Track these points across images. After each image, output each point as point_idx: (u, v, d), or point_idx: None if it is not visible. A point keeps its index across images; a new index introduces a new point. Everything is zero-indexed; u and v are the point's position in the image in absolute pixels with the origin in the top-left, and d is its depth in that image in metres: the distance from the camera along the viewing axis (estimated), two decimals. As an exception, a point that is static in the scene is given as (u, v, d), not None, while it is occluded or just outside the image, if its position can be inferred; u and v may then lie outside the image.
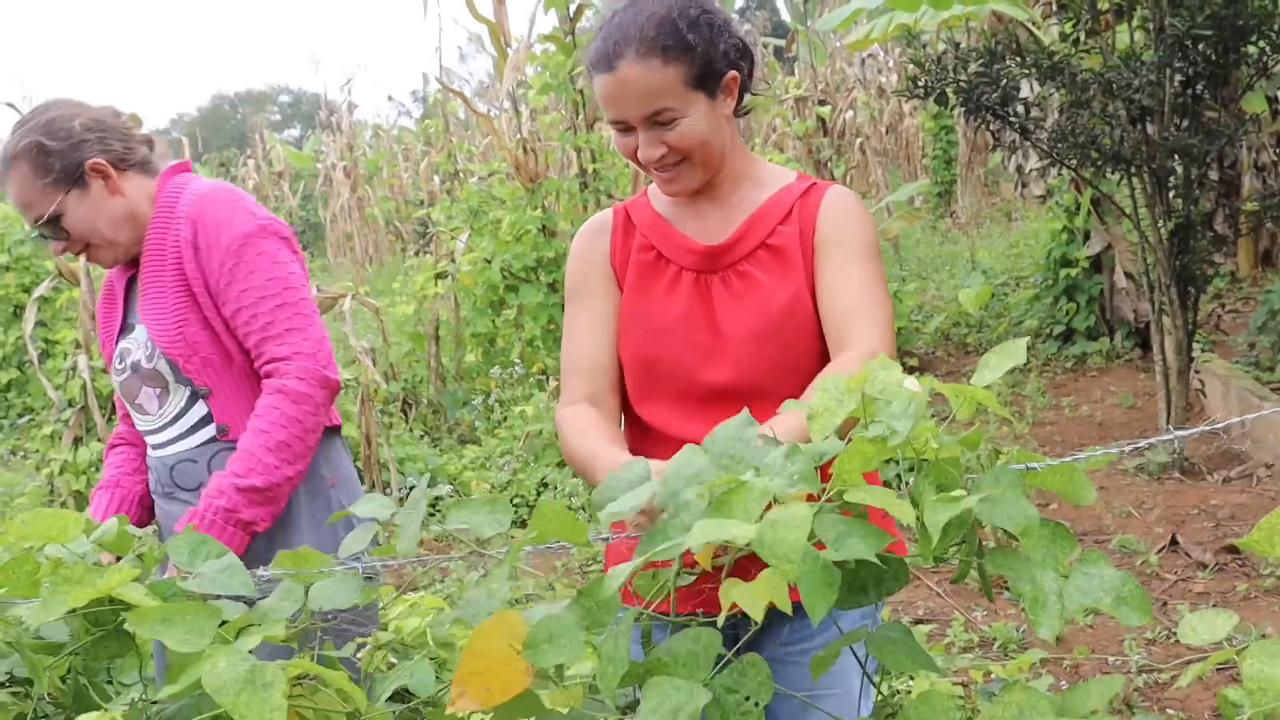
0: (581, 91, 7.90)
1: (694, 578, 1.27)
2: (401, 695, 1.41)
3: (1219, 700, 1.10)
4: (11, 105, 17.84)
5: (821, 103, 10.78)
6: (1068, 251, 8.76)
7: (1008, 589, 4.72)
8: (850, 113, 12.17)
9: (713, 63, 1.89)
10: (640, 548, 1.09)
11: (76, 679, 1.34)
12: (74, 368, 7.57)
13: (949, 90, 5.91)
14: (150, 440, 2.55)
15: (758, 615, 1.03)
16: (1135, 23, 5.94)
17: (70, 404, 7.25)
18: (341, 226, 21.69)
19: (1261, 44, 5.54)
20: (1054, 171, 9.50)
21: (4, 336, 10.99)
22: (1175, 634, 4.17)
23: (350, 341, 7.83)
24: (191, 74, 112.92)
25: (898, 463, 1.18)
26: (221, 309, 2.40)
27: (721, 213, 2.05)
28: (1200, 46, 5.55)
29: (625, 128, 1.92)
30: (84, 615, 1.22)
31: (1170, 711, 3.72)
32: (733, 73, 1.93)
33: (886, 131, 18.97)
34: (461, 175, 13.31)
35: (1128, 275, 8.56)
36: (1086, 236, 8.71)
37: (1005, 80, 5.81)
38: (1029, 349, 8.71)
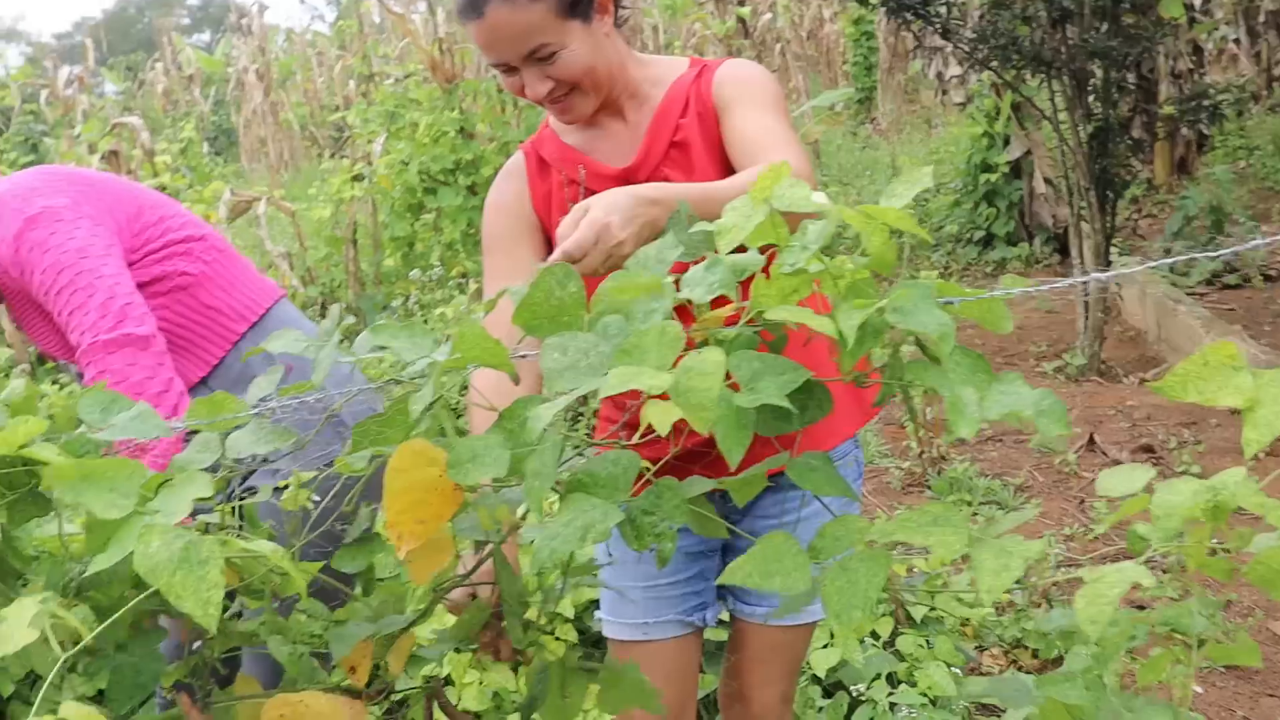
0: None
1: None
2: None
3: (1129, 538, 1.09)
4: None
5: (740, 3, 10.66)
6: (988, 157, 8.79)
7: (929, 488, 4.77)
8: (769, 15, 12.05)
9: None
10: (549, 384, 1.06)
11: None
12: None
13: (871, -12, 5.86)
14: None
15: (663, 429, 1.01)
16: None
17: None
18: (255, 132, 21.28)
19: (1182, -53, 5.54)
20: (974, 77, 9.53)
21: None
22: (1093, 529, 4.25)
23: (266, 246, 7.69)
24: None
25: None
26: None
27: (628, 127, 2.01)
28: (1122, -52, 5.55)
29: (508, 69, 1.87)
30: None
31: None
32: None
33: (807, 37, 18.87)
34: (377, 78, 13.04)
35: (1047, 181, 8.62)
36: (1006, 142, 8.75)
37: (929, -21, 5.77)
38: (949, 254, 8.78)
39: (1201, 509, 0.99)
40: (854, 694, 3.10)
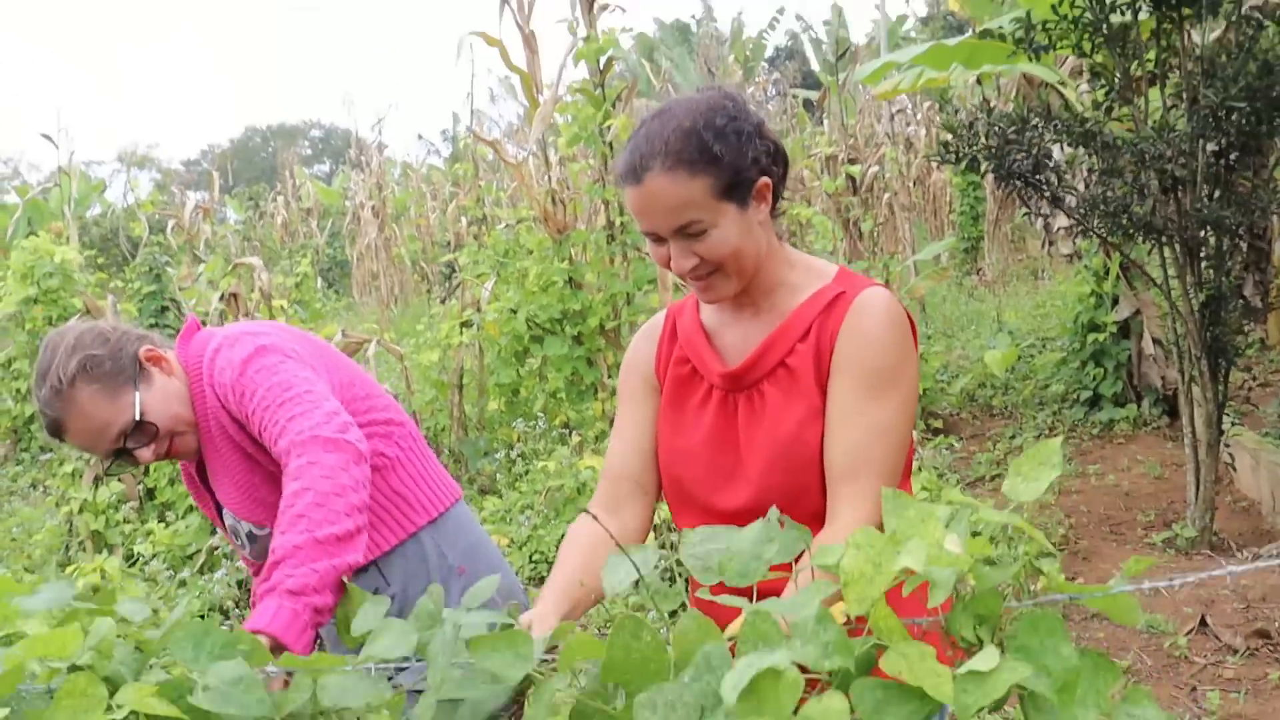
0: (610, 144, 7.90)
1: None
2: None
3: None
4: (47, 136, 17.98)
5: (851, 161, 10.77)
6: (1095, 316, 8.70)
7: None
8: (876, 168, 12.17)
9: (741, 172, 1.85)
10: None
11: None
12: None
13: (980, 156, 5.87)
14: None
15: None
16: (1169, 89, 5.90)
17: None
18: (368, 265, 21.82)
19: (1297, 115, 5.49)
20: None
21: (29, 368, 11.02)
22: (1202, 721, 4.09)
23: (373, 388, 7.83)
24: (225, 106, 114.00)
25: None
26: (257, 436, 2.33)
27: (755, 324, 2.01)
28: (1234, 117, 5.51)
29: (657, 238, 1.89)
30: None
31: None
32: (764, 179, 1.89)
33: (914, 184, 18.97)
34: (489, 220, 13.34)
35: (1156, 342, 8.50)
36: (1115, 301, 8.65)
37: (1036, 148, 5.77)
38: (1054, 415, 8.65)
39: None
40: None
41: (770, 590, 1.25)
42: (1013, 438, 8.37)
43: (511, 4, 8.20)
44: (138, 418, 2.28)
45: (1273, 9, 6.08)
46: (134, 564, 7.07)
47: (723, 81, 23.95)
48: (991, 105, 6.08)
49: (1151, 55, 5.85)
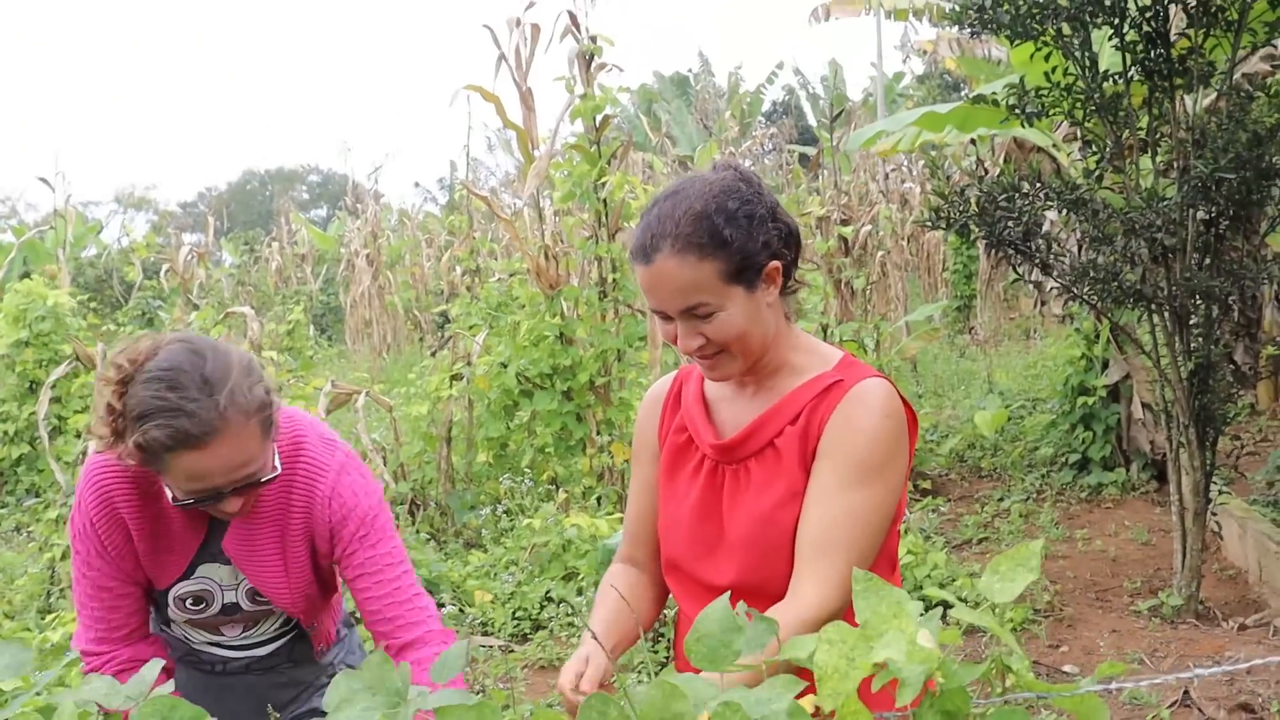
0: (605, 201, 7.92)
1: None
2: None
3: None
4: (44, 180, 18.04)
5: (844, 221, 10.82)
6: (1085, 379, 8.71)
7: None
8: (869, 226, 12.21)
9: (751, 256, 1.86)
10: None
11: None
12: (84, 453, 7.56)
13: (971, 223, 5.89)
14: (211, 647, 2.51)
15: None
16: (1160, 157, 5.93)
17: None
18: (361, 313, 21.83)
19: (1287, 184, 5.53)
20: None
21: (18, 411, 10.97)
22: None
23: (362, 439, 7.81)
24: (224, 148, 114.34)
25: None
26: (343, 569, 2.37)
27: (753, 401, 2.03)
28: (1224, 188, 5.54)
29: (665, 316, 1.91)
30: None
31: None
32: (774, 263, 1.91)
33: (908, 242, 19.03)
34: (483, 271, 13.37)
35: (1145, 406, 8.50)
36: (1105, 364, 8.67)
37: (1028, 216, 5.80)
38: (1042, 478, 8.64)
39: None
40: None
41: None
42: (1000, 500, 8.35)
43: (509, 61, 8.24)
44: (275, 473, 2.21)
45: (1262, 79, 6.14)
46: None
47: (720, 136, 24.10)
48: (984, 171, 6.12)
49: (1143, 123, 5.89)
